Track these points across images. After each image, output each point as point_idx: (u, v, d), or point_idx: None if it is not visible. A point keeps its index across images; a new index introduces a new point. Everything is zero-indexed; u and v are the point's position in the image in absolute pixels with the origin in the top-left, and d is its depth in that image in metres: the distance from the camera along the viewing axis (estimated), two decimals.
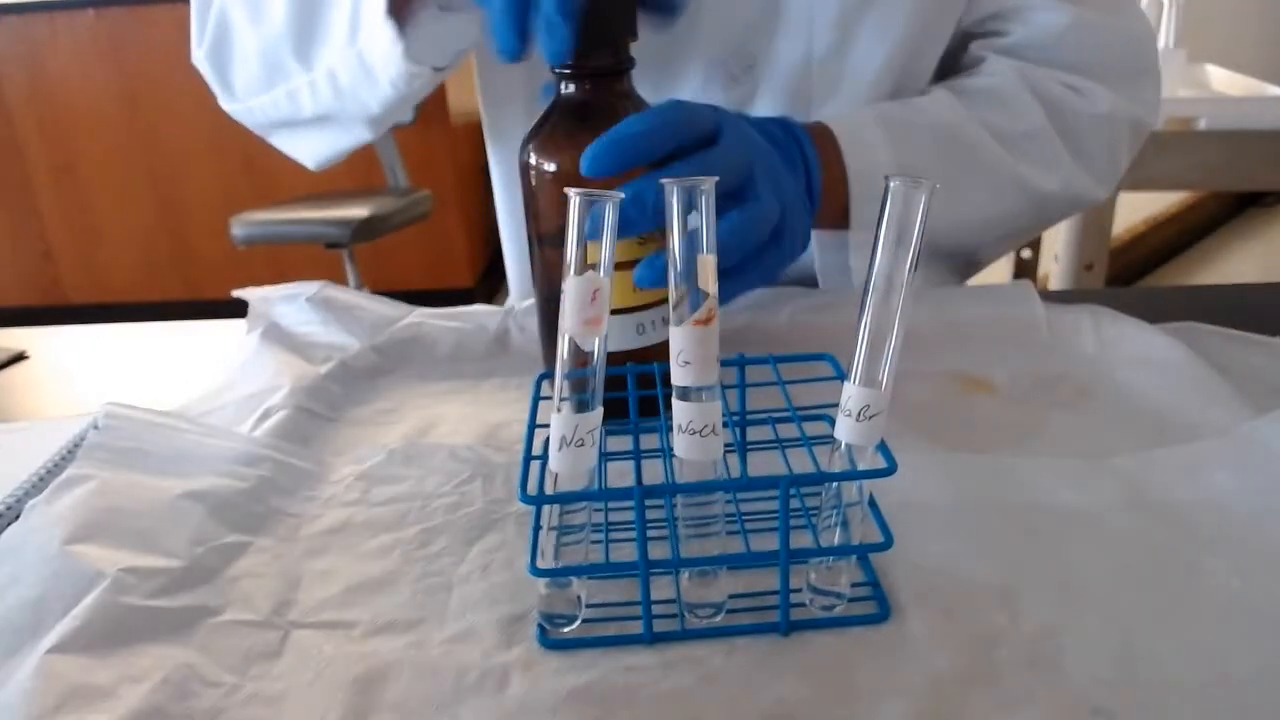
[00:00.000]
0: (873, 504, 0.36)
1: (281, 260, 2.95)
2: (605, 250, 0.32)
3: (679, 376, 0.33)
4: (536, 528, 0.34)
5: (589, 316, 0.32)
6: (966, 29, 0.68)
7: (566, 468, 0.33)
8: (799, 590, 0.35)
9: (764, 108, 0.66)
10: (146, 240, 3.05)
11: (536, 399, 0.39)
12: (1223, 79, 1.76)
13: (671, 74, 0.65)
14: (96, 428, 0.45)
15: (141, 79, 2.90)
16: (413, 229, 2.49)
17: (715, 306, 0.33)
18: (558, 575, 0.33)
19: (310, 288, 0.63)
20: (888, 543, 0.34)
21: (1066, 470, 0.44)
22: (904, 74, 0.66)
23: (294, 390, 0.53)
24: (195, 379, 0.57)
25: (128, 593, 0.35)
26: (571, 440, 0.32)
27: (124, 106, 2.93)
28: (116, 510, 0.39)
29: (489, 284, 3.17)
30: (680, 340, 0.32)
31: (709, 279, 0.33)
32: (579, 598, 0.34)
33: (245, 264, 2.94)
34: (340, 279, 2.42)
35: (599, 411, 0.33)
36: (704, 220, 0.32)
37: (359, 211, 2.28)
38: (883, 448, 0.34)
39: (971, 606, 0.35)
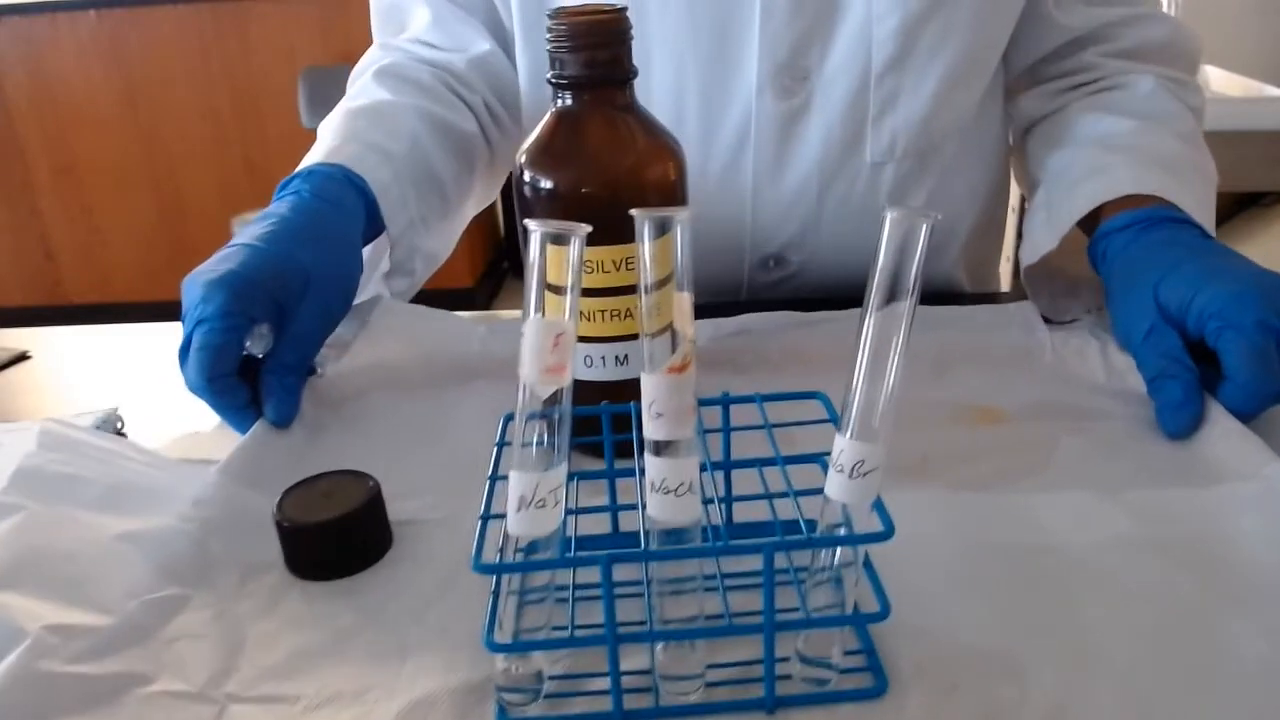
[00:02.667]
0: (868, 565, 0.32)
1: None
2: (569, 290, 0.29)
3: (651, 429, 0.29)
4: (495, 595, 0.30)
5: (549, 364, 0.29)
6: (1078, 37, 0.67)
7: (525, 531, 0.29)
8: (786, 659, 0.32)
9: (818, 121, 0.63)
10: (147, 240, 3.03)
11: (501, 444, 0.36)
12: (1222, 79, 1.73)
13: (722, 84, 0.63)
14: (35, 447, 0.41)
15: (142, 79, 2.87)
16: None
17: (691, 351, 0.29)
18: (517, 650, 0.30)
19: None
20: (884, 612, 0.30)
21: (1079, 511, 0.41)
22: (960, 85, 0.64)
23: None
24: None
25: (48, 656, 0.32)
26: (531, 501, 0.29)
27: (125, 107, 2.90)
28: (44, 551, 0.36)
29: (489, 284, 3.13)
30: (652, 389, 0.29)
31: (685, 319, 0.29)
32: (540, 672, 0.31)
33: None
34: None
35: (563, 468, 0.30)
36: (679, 255, 0.29)
37: None
38: (879, 506, 0.30)
39: (977, 677, 0.32)
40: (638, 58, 0.43)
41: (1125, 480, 0.43)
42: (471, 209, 0.75)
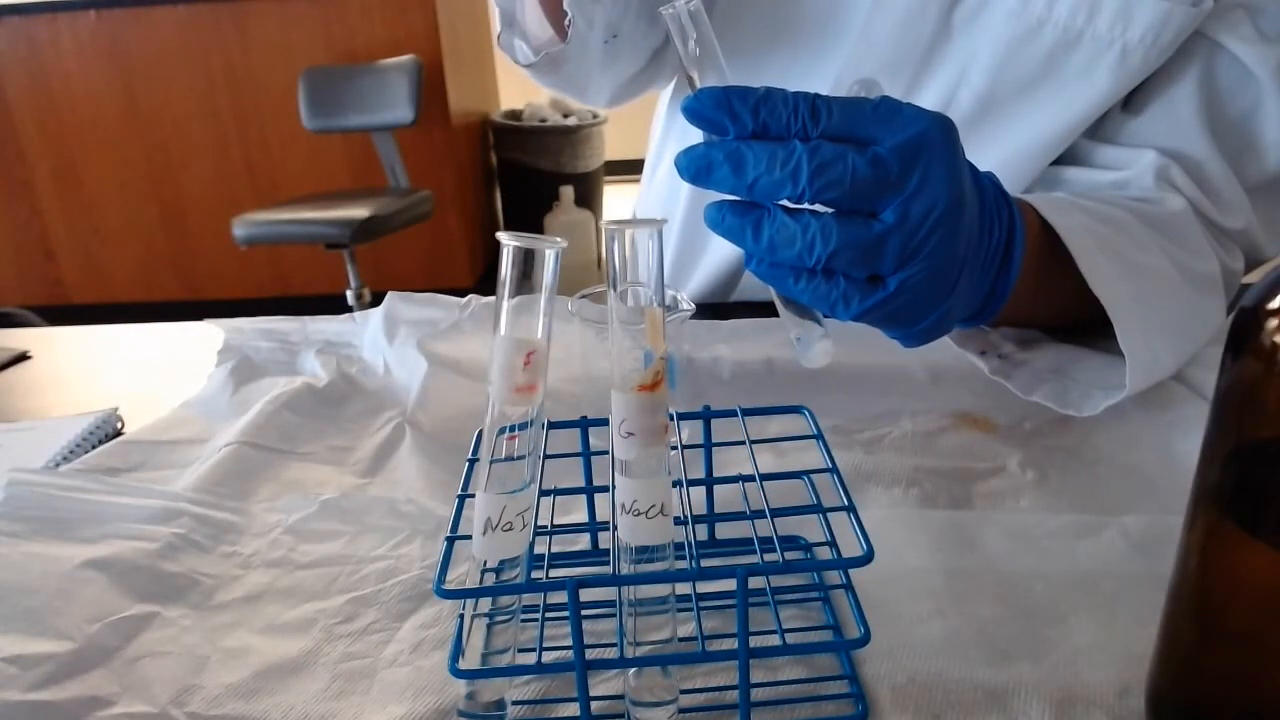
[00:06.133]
0: (849, 588, 0.31)
1: (282, 261, 2.92)
2: (543, 306, 0.28)
3: (620, 449, 0.28)
4: (461, 619, 0.29)
5: (519, 383, 0.28)
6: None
7: (491, 555, 0.28)
8: (761, 684, 0.31)
9: None
10: (147, 240, 3.02)
11: (474, 460, 0.35)
12: None
13: (792, 76, 0.61)
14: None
15: (142, 79, 2.86)
16: (413, 229, 2.45)
17: (663, 369, 0.28)
18: (481, 677, 0.29)
19: (291, 324, 0.62)
20: (864, 638, 0.29)
21: (1071, 534, 0.39)
22: (1015, 169, 0.59)
23: (244, 427, 0.49)
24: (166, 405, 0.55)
25: (7, 687, 0.31)
26: (498, 524, 0.28)
27: (125, 107, 2.89)
28: (5, 588, 0.35)
29: (489, 284, 3.13)
30: (623, 408, 0.28)
31: (657, 336, 0.28)
32: (503, 700, 0.30)
33: (245, 264, 2.90)
34: (340, 279, 2.39)
35: (533, 490, 0.29)
36: (650, 268, 0.28)
37: (359, 211, 2.25)
38: (859, 528, 0.29)
39: (961, 706, 0.31)
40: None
41: (1120, 503, 0.42)
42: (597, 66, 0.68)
